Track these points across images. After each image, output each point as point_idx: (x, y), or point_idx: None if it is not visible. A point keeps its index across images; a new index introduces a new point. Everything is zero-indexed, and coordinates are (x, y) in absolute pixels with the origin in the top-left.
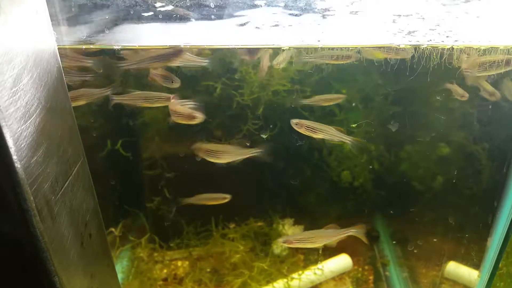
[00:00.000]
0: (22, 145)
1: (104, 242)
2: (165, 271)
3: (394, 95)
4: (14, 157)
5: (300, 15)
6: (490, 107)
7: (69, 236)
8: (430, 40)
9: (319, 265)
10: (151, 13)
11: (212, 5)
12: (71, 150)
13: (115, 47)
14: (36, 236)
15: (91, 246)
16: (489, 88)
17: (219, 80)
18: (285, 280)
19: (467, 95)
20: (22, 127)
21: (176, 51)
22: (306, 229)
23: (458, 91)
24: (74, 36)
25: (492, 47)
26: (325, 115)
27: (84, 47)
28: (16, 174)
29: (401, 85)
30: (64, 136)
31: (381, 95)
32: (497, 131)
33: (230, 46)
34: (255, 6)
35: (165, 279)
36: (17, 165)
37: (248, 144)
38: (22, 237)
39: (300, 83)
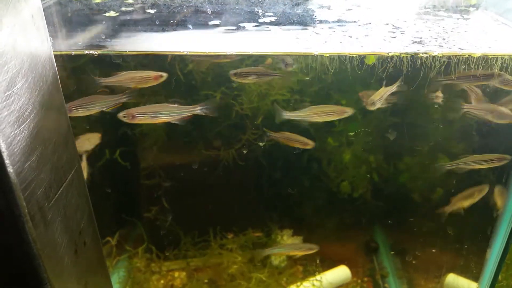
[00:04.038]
0: (15, 150)
1: (99, 251)
2: (162, 282)
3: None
4: (7, 161)
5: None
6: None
7: (62, 244)
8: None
9: (318, 277)
10: None
11: None
12: (65, 156)
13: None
14: (28, 243)
15: (85, 254)
16: None
17: (218, 89)
18: None
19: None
20: (16, 132)
21: None
22: (304, 240)
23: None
24: None
25: None
26: (324, 125)
27: (73, 53)
28: (9, 178)
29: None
30: (59, 142)
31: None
32: (496, 142)
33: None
34: None
35: None
36: (10, 169)
37: None
38: (14, 244)
39: (299, 93)
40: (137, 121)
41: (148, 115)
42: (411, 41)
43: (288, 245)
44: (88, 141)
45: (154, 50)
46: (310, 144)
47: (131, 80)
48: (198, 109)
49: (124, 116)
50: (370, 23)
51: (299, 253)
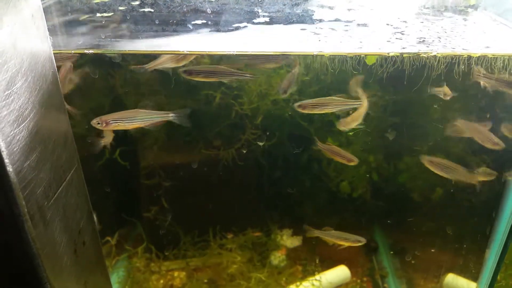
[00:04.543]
0: (15, 149)
1: (98, 250)
2: (161, 281)
3: (393, 104)
4: (6, 160)
5: None
6: (488, 116)
7: (62, 243)
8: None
9: (317, 277)
10: None
11: None
12: (65, 156)
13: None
14: (28, 242)
15: (85, 253)
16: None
17: (218, 89)
18: None
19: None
20: (15, 131)
21: None
22: (304, 239)
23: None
24: None
25: None
26: (323, 125)
27: (73, 51)
28: (8, 178)
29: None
30: (59, 141)
31: (380, 105)
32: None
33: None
34: None
35: None
36: (9, 169)
37: None
38: (13, 243)
39: (299, 93)
40: (111, 127)
41: (121, 121)
42: (413, 42)
43: (337, 232)
44: (109, 134)
45: (154, 50)
46: (354, 161)
47: (170, 60)
48: (171, 116)
49: (98, 123)
50: (366, 24)
51: (346, 244)
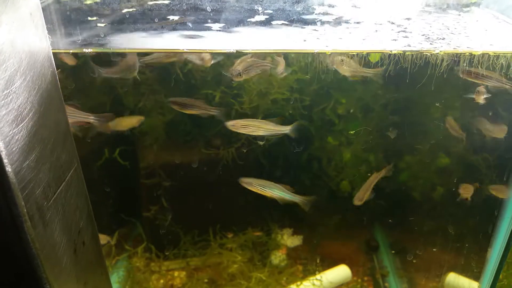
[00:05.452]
0: (14, 149)
1: (98, 250)
2: (161, 281)
3: (393, 103)
4: (5, 160)
5: None
6: (490, 114)
7: (61, 243)
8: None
9: (318, 276)
10: None
11: None
12: (64, 155)
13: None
14: (27, 242)
15: (85, 254)
16: None
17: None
18: None
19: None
20: (14, 131)
21: None
22: (305, 239)
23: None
24: None
25: None
26: (324, 124)
27: (71, 51)
28: (7, 178)
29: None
30: (58, 141)
31: (381, 104)
32: (496, 141)
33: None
34: None
35: None
36: (8, 169)
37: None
38: (13, 243)
39: (299, 92)
40: None
41: None
42: (416, 39)
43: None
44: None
45: (154, 48)
46: None
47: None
48: (91, 118)
49: None
50: (362, 22)
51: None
